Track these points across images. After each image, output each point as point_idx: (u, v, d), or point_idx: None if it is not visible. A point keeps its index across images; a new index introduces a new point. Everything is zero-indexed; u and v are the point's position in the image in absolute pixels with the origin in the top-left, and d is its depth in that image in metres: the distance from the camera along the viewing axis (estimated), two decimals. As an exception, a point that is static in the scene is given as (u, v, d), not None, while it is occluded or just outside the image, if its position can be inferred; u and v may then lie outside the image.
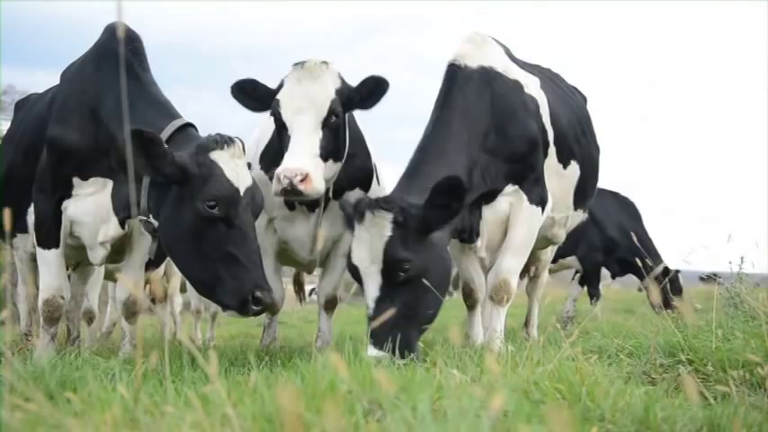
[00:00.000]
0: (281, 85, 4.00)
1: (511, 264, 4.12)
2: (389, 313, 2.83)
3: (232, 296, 3.40)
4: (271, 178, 4.43)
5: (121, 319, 4.27)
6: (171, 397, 1.50)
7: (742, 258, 4.41)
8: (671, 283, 8.20)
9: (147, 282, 8.30)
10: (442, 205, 3.45)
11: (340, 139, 4.00)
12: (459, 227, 3.98)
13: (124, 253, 4.31)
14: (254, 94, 4.02)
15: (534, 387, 2.32)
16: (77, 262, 4.75)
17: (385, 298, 3.41)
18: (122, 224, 4.02)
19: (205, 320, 8.65)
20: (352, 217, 3.61)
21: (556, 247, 5.75)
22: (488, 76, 4.13)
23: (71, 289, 5.38)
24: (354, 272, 3.57)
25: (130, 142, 3.15)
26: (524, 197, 4.11)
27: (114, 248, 4.15)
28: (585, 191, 4.83)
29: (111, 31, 4.16)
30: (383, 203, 3.50)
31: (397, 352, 3.22)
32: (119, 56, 3.92)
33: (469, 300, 4.48)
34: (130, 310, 4.23)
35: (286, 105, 3.88)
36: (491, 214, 4.10)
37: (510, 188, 4.09)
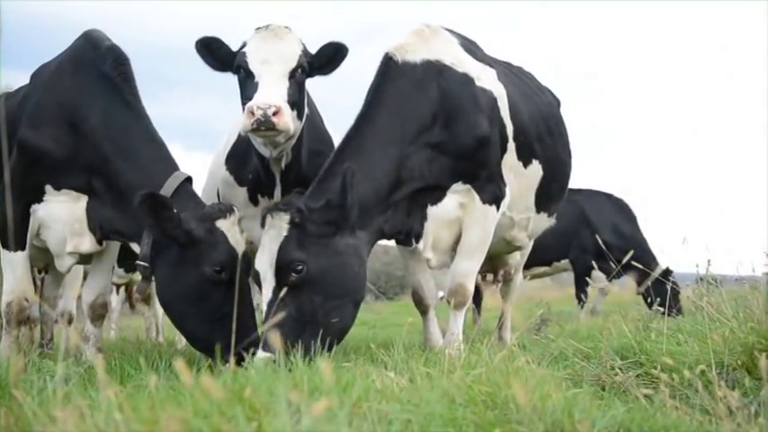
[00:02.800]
0: (243, 45, 3.96)
1: (466, 266, 4.05)
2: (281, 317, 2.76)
3: (227, 353, 3.47)
4: (236, 179, 4.48)
5: (87, 321, 4.28)
6: (59, 400, 1.52)
7: (709, 261, 4.36)
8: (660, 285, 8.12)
9: (129, 284, 8.39)
10: (339, 205, 3.45)
11: (303, 96, 3.99)
12: (391, 229, 3.91)
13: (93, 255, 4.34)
14: (218, 53, 3.97)
15: (461, 390, 2.34)
16: (46, 264, 4.77)
17: (279, 301, 3.35)
18: (100, 242, 4.07)
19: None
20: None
21: (526, 252, 5.60)
22: (434, 70, 4.01)
23: (45, 291, 5.43)
24: (257, 279, 3.56)
25: None
26: (476, 197, 4.01)
27: None
28: (549, 193, 4.69)
29: (90, 39, 4.15)
30: (281, 206, 3.53)
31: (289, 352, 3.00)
32: (102, 72, 3.95)
33: (420, 306, 4.41)
34: (97, 313, 4.25)
35: (253, 56, 3.85)
36: (437, 213, 4.00)
37: (460, 186, 3.99)
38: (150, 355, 3.87)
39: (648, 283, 8.48)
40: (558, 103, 5.27)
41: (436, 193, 3.99)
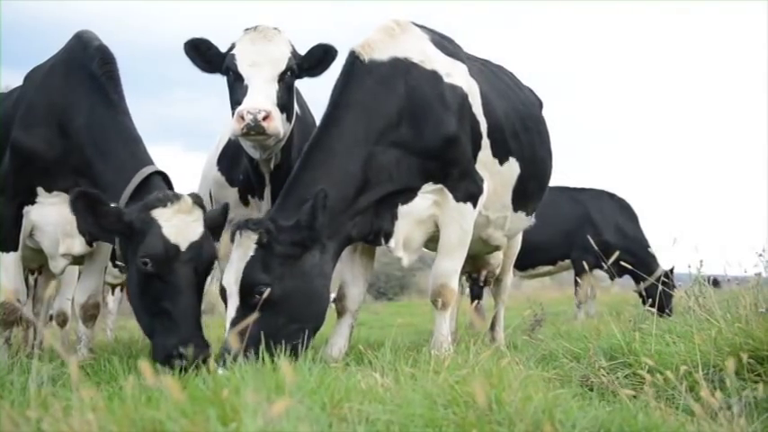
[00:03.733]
0: (232, 47, 3.96)
1: (447, 266, 3.99)
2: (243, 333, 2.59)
3: (159, 351, 3.43)
4: (227, 180, 4.50)
5: (79, 322, 4.29)
6: (39, 401, 1.53)
7: (701, 262, 4.36)
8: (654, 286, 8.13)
9: (124, 284, 8.39)
10: (308, 227, 3.42)
11: (292, 98, 4.00)
12: (359, 233, 3.84)
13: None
14: (206, 54, 3.98)
15: (444, 391, 2.34)
16: (40, 265, 4.79)
17: (241, 320, 3.22)
18: (90, 243, 4.06)
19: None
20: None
21: (513, 252, 5.55)
22: (402, 67, 3.92)
23: (38, 292, 5.45)
24: (223, 294, 3.50)
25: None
26: (449, 195, 3.94)
27: None
28: (527, 192, 4.59)
29: (82, 40, 4.17)
30: (251, 224, 3.47)
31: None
32: (90, 72, 3.97)
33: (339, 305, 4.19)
34: (89, 314, 4.26)
35: (242, 59, 3.85)
36: (408, 212, 3.91)
37: (432, 186, 3.92)
38: (141, 356, 3.88)
39: (644, 283, 8.55)
40: (540, 103, 5.22)
41: (406, 193, 3.92)
